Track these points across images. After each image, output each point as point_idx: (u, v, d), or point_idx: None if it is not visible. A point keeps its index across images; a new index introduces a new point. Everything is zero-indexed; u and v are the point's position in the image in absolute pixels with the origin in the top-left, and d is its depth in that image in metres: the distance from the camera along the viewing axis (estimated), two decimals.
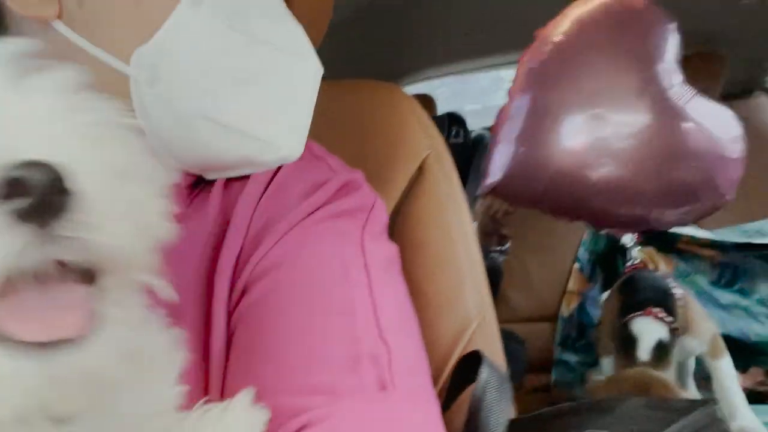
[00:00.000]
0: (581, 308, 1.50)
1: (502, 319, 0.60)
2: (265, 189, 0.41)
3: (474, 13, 1.53)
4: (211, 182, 0.42)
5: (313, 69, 0.41)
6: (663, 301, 1.14)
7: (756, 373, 1.31)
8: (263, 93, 0.38)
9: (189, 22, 0.35)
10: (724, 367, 1.12)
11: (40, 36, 0.35)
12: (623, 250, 1.49)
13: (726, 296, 1.40)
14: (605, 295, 1.38)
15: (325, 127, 0.63)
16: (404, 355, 0.34)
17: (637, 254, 1.42)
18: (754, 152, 1.52)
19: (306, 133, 0.41)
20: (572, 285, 1.53)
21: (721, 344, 1.15)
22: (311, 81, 0.41)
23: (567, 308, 1.52)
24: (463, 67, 1.89)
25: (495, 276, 1.41)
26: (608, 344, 1.18)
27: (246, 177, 0.42)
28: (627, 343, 1.10)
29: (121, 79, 0.35)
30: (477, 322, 0.55)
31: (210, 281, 0.37)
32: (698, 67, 1.52)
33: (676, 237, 1.43)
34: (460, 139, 1.41)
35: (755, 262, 1.40)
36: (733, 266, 1.42)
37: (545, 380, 1.47)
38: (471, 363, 0.45)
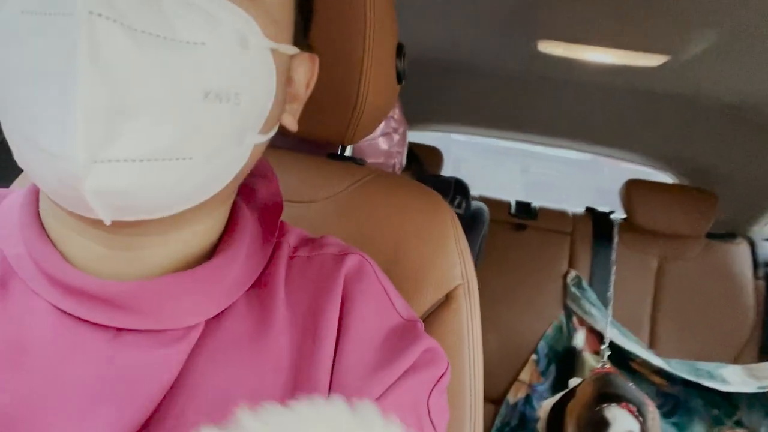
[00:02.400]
0: (527, 400, 1.53)
1: None
2: (340, 318, 0.40)
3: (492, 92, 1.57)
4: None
5: (70, 25, 0.26)
6: (638, 404, 1.19)
7: None
8: (17, 80, 0.28)
9: None
10: None
11: None
12: (580, 354, 1.53)
13: (663, 426, 1.46)
14: (552, 399, 1.41)
15: (365, 218, 0.63)
16: None
17: (595, 363, 1.47)
18: (724, 297, 1.60)
19: (91, 122, 0.27)
20: (525, 375, 1.56)
21: None
22: (66, 42, 0.26)
23: (514, 396, 1.54)
24: (474, 131, 1.91)
25: None
26: None
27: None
28: (598, 428, 1.12)
29: None
30: None
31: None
32: (692, 200, 1.59)
33: (632, 356, 1.48)
34: (461, 211, 1.41)
35: (697, 402, 1.46)
36: (676, 399, 1.48)
37: None
38: None
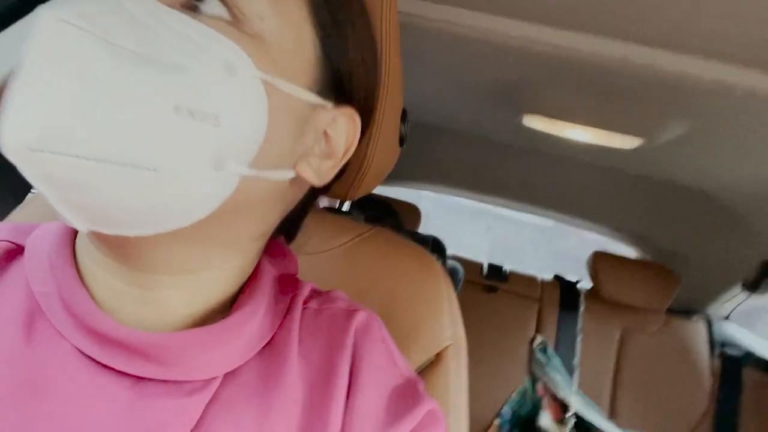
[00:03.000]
0: None
1: None
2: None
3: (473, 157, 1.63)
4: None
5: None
6: None
7: None
8: None
9: None
10: None
11: None
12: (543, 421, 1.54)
13: None
14: None
15: (361, 275, 0.64)
16: None
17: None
18: (681, 372, 1.65)
19: (32, 111, 0.27)
20: None
21: None
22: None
23: None
24: (448, 191, 1.97)
25: None
26: None
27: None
28: None
29: None
30: None
31: None
32: (654, 275, 1.66)
33: (592, 428, 1.50)
34: None
35: None
36: None
37: None
38: None
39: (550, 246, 5.31)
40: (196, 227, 0.34)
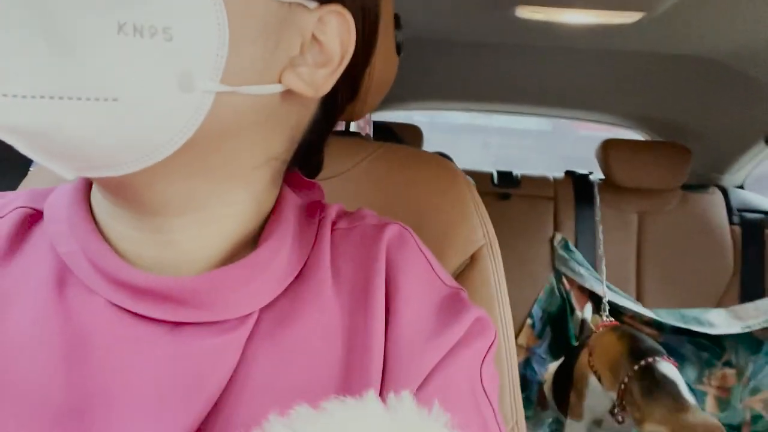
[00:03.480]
0: (527, 363, 1.57)
1: None
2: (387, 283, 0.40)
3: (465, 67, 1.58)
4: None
5: None
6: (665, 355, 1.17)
7: None
8: None
9: None
10: None
11: None
12: (574, 313, 1.57)
13: None
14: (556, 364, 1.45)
15: (384, 191, 0.63)
16: None
17: (592, 320, 1.51)
18: (703, 244, 1.66)
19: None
20: (522, 339, 1.59)
21: None
22: None
23: None
24: (445, 106, 1.92)
25: None
26: (600, 400, 1.21)
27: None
28: (658, 387, 1.06)
29: None
30: (510, 426, 0.57)
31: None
32: (666, 155, 1.64)
33: (623, 310, 1.53)
34: None
35: (688, 347, 1.52)
36: (668, 346, 1.53)
37: None
38: None
39: (553, 150, 5.27)
40: (183, 158, 0.32)
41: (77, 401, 0.31)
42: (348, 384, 0.36)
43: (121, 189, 0.34)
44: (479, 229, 0.62)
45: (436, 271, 0.44)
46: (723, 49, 1.23)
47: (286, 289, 0.38)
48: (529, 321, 1.60)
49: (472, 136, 5.47)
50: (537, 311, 1.61)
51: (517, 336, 1.60)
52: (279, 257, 0.38)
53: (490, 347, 0.41)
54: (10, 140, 0.28)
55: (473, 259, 0.61)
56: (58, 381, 0.32)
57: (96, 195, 0.38)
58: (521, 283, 1.64)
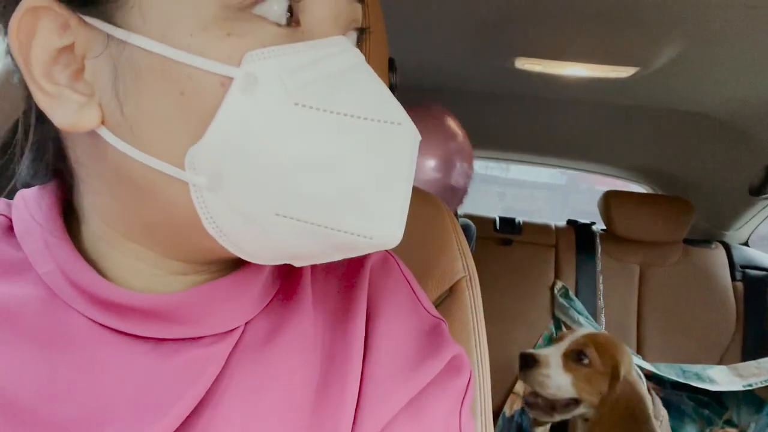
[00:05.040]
0: (523, 411, 1.54)
1: None
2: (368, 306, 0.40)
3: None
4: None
5: (409, 136, 0.32)
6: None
7: None
8: (348, 177, 0.30)
9: (244, 110, 0.28)
10: None
11: (89, 144, 0.32)
12: None
13: None
14: None
15: None
16: None
17: None
18: (705, 299, 1.65)
19: (405, 214, 0.33)
20: (519, 387, 1.57)
21: None
22: (407, 151, 0.32)
23: (510, 408, 1.55)
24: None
25: None
26: None
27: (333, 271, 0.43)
28: None
29: (179, 183, 0.30)
30: None
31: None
32: (668, 208, 1.66)
33: None
34: None
35: (688, 403, 1.49)
36: (668, 402, 1.50)
37: None
38: None
39: (565, 203, 5.28)
40: None
41: (57, 417, 0.31)
42: (323, 403, 0.36)
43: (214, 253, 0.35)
44: (459, 261, 0.64)
45: (419, 298, 0.44)
46: (716, 105, 1.27)
47: (268, 306, 0.39)
48: None
49: (488, 185, 5.51)
50: None
51: (514, 383, 1.59)
52: (262, 274, 0.39)
53: (467, 389, 0.41)
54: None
55: (452, 291, 0.63)
56: (42, 397, 0.31)
57: (100, 228, 0.36)
58: (520, 330, 1.63)
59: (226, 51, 0.29)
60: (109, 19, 0.29)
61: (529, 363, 1.21)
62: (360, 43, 0.39)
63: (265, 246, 0.32)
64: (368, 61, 0.60)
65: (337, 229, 0.31)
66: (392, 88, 0.71)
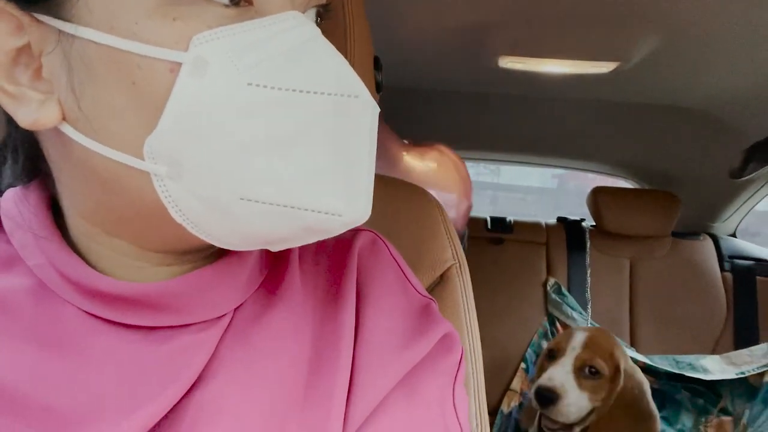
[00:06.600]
0: (521, 408, 1.55)
1: None
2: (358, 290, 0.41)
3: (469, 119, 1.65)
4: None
5: (367, 108, 0.31)
6: None
7: None
8: (308, 155, 0.30)
9: (196, 94, 0.28)
10: None
11: (57, 142, 0.33)
12: None
13: None
14: None
15: None
16: None
17: None
18: (695, 290, 1.67)
19: (371, 188, 0.33)
20: (516, 384, 1.58)
21: None
22: (365, 124, 0.32)
23: (507, 405, 1.56)
24: None
25: None
26: None
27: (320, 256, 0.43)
28: None
29: (142, 174, 0.30)
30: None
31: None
32: (655, 202, 1.68)
33: None
34: None
35: (682, 394, 1.50)
36: (663, 393, 1.52)
37: None
38: None
39: (556, 207, 5.32)
40: None
41: (49, 404, 0.32)
42: (316, 384, 0.37)
43: (185, 241, 0.35)
44: (449, 249, 0.66)
45: (409, 279, 0.45)
46: (698, 98, 1.30)
47: (256, 292, 0.40)
48: (522, 365, 1.60)
49: (480, 190, 5.55)
50: (531, 355, 1.61)
51: (511, 380, 1.60)
52: (249, 260, 0.39)
53: (459, 365, 0.41)
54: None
55: (443, 278, 0.64)
56: (34, 384, 0.31)
57: (88, 221, 0.36)
58: (514, 327, 1.65)
59: (172, 36, 0.28)
60: (57, 14, 0.29)
61: (552, 399, 1.21)
62: (323, 21, 0.38)
63: (235, 231, 0.32)
64: (353, 60, 0.62)
65: (303, 209, 0.30)
66: (378, 86, 0.72)
